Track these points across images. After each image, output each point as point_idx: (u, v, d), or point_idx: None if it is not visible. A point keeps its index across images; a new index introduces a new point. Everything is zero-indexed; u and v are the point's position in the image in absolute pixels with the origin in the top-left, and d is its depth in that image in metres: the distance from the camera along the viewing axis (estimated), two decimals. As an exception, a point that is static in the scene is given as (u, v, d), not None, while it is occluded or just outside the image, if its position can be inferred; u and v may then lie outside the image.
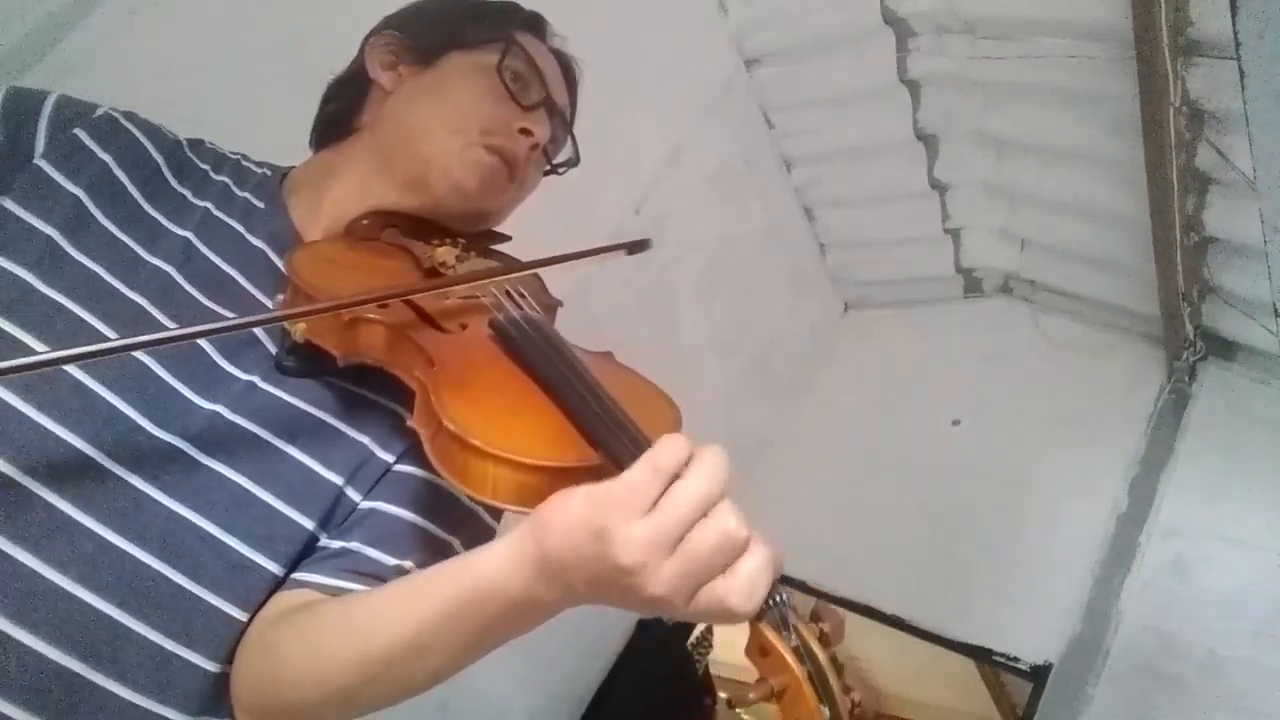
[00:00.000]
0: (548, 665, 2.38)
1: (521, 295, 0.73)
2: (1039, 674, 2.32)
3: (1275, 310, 1.91)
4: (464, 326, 0.67)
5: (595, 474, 0.52)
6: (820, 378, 3.11)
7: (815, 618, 0.51)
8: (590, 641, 2.52)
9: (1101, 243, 2.45)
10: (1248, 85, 1.36)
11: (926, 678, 4.47)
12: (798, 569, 2.80)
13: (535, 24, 0.87)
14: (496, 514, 0.71)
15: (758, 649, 0.49)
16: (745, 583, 0.48)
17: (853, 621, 3.29)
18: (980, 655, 2.48)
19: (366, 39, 0.85)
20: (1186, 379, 2.50)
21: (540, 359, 0.61)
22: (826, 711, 0.47)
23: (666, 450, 0.49)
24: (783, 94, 2.49)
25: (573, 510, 0.48)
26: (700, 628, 3.08)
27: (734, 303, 2.71)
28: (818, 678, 0.48)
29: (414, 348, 0.63)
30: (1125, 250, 2.37)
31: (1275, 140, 1.43)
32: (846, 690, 0.48)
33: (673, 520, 0.47)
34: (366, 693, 0.55)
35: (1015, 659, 2.38)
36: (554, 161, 0.89)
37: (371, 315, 0.64)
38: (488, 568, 0.52)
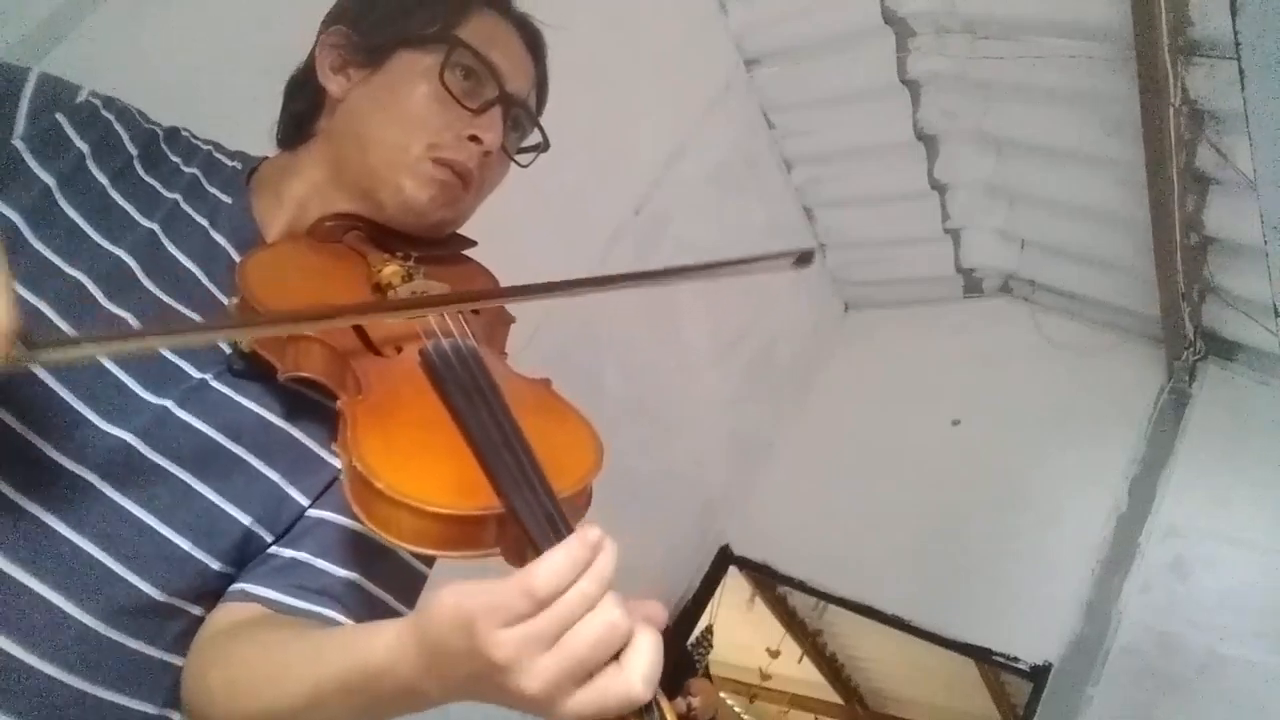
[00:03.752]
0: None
1: (475, 311, 0.72)
2: (1039, 674, 2.33)
3: (1275, 310, 1.91)
4: (399, 350, 0.67)
5: (498, 522, 0.52)
6: (820, 378, 3.11)
7: (685, 691, 0.49)
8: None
9: (1101, 243, 2.45)
10: (1248, 85, 1.36)
11: (926, 678, 4.47)
12: (798, 569, 2.80)
13: None
14: None
15: None
16: (645, 669, 0.45)
17: (853, 621, 3.29)
18: (980, 655, 2.48)
19: (319, 33, 0.82)
20: (1186, 379, 2.50)
21: (459, 396, 0.59)
22: None
23: (549, 566, 0.46)
24: (783, 94, 2.49)
25: (447, 605, 0.47)
26: (700, 627, 3.08)
27: (734, 303, 2.72)
28: None
29: (347, 370, 0.64)
30: (1125, 250, 2.37)
31: (1275, 140, 1.43)
32: None
33: (550, 618, 0.45)
34: None
35: (1015, 659, 2.38)
36: (520, 148, 0.85)
37: (309, 334, 0.64)
38: (378, 650, 0.51)
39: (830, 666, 4.97)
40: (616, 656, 0.46)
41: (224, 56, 1.29)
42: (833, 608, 3.05)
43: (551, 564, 0.46)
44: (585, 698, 0.45)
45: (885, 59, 2.26)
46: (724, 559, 2.91)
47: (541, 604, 0.45)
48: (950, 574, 2.55)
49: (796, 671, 4.85)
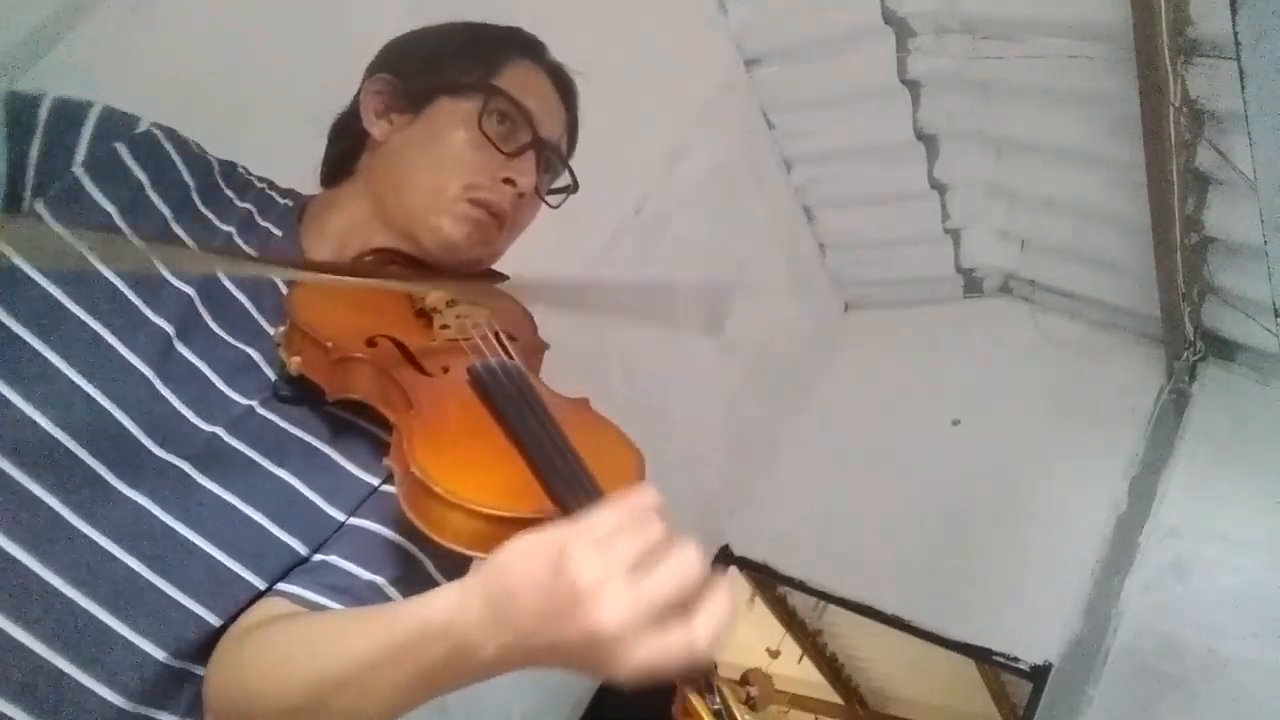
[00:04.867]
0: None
1: (511, 339, 0.76)
2: (1039, 674, 2.33)
3: (1275, 310, 1.91)
4: (445, 370, 0.70)
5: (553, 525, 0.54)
6: (820, 378, 3.11)
7: (743, 681, 0.51)
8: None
9: (1101, 243, 2.45)
10: (1248, 85, 1.36)
11: (926, 678, 4.47)
12: (798, 569, 2.80)
13: (530, 48, 0.88)
14: None
15: (682, 711, 0.49)
16: (712, 620, 0.46)
17: (853, 621, 3.29)
18: (980, 655, 2.48)
19: (364, 80, 0.87)
20: (1186, 379, 2.50)
21: (510, 409, 0.63)
22: None
23: (639, 496, 0.50)
24: (783, 94, 2.49)
25: (529, 539, 0.49)
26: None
27: (734, 303, 2.71)
28: None
29: (396, 388, 0.66)
30: (1125, 250, 2.37)
31: (1275, 140, 1.43)
32: None
33: (634, 550, 0.46)
34: (313, 718, 0.56)
35: (1015, 659, 2.38)
36: (550, 189, 0.89)
37: (359, 354, 0.68)
38: (438, 608, 0.52)
39: (830, 666, 4.97)
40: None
41: (221, 60, 1.29)
42: (833, 608, 3.04)
43: (642, 492, 0.50)
44: (651, 644, 0.45)
45: (885, 59, 2.25)
46: (724, 559, 2.91)
47: (634, 518, 0.48)
48: (950, 574, 2.55)
49: (796, 671, 4.85)
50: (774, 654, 4.70)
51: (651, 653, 0.45)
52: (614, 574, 0.45)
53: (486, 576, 0.50)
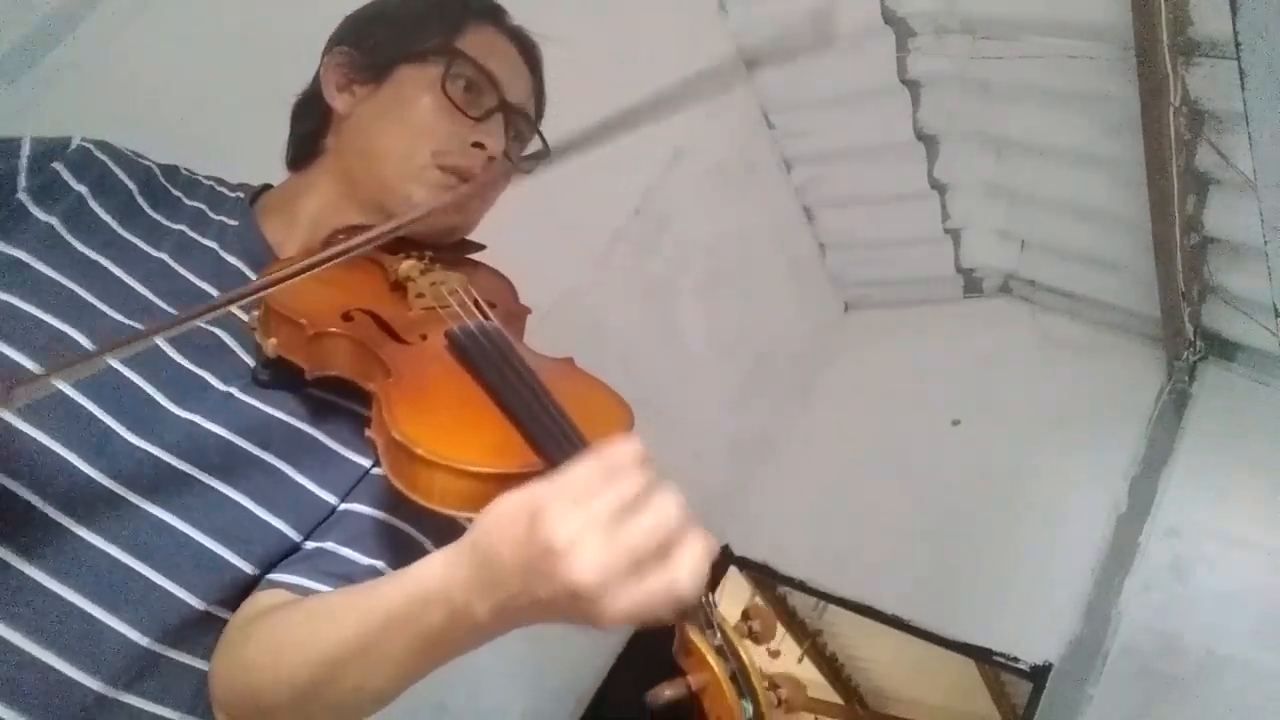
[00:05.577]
0: (547, 664, 2.38)
1: (492, 305, 0.75)
2: (1039, 674, 2.32)
3: (1275, 310, 1.91)
4: (424, 337, 0.69)
5: (540, 479, 0.54)
6: (820, 378, 3.11)
7: (745, 616, 0.51)
8: (590, 640, 2.52)
9: (1101, 243, 2.45)
10: (1248, 85, 1.36)
11: (926, 678, 4.47)
12: (798, 569, 2.80)
13: (490, 12, 0.86)
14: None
15: (683, 648, 0.49)
16: (690, 563, 0.46)
17: (853, 621, 3.29)
18: (980, 655, 2.48)
19: (323, 55, 0.85)
20: (1186, 379, 2.50)
21: (490, 369, 0.63)
22: (749, 707, 0.48)
23: (616, 449, 0.49)
24: (783, 94, 2.49)
25: (509, 499, 0.49)
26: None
27: (734, 303, 2.72)
28: (740, 675, 0.48)
29: (374, 359, 0.66)
30: (1125, 250, 2.37)
31: (1275, 140, 1.43)
32: (772, 686, 0.48)
33: (609, 503, 0.46)
34: (320, 698, 0.56)
35: (1015, 659, 2.38)
36: (522, 157, 0.88)
37: (335, 329, 0.67)
38: (428, 573, 0.52)
39: (830, 666, 4.97)
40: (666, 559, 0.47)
41: (221, 59, 1.29)
42: (833, 608, 3.05)
43: (620, 445, 0.49)
44: (633, 591, 0.45)
45: (885, 59, 2.26)
46: (724, 559, 2.91)
47: (610, 472, 0.47)
48: (950, 574, 2.55)
49: (797, 671, 4.85)
50: (774, 654, 4.70)
51: (635, 599, 0.45)
52: (590, 528, 0.45)
53: (473, 538, 0.50)
